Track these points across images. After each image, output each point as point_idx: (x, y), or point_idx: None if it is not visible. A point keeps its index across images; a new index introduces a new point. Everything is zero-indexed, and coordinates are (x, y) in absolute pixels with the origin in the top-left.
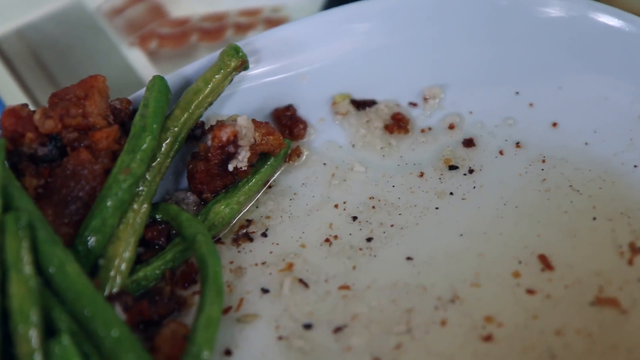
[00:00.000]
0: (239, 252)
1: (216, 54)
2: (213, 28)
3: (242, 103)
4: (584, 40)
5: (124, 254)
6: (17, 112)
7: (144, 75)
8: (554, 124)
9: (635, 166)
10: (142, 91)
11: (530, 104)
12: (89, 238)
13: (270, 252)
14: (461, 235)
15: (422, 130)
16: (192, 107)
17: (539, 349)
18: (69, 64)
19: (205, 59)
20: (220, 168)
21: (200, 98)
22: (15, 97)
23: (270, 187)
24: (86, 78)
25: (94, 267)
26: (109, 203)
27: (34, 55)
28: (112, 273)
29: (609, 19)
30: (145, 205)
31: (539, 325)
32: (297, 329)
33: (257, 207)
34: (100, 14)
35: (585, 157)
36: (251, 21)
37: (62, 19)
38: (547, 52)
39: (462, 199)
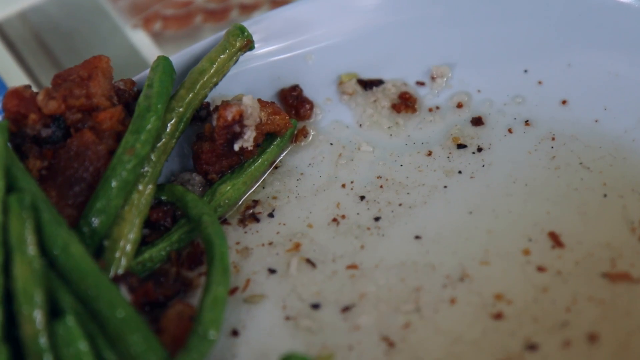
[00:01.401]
0: (245, 232)
1: (221, 33)
2: (218, 9)
3: (247, 83)
4: (593, 16)
5: (129, 235)
6: (20, 93)
7: (148, 57)
8: (564, 102)
9: None
10: (147, 72)
11: (539, 82)
12: (93, 219)
13: (277, 233)
14: (470, 213)
15: (430, 109)
16: (197, 87)
17: (551, 318)
18: (72, 47)
19: (210, 39)
20: (225, 148)
21: (206, 78)
22: (18, 80)
23: (276, 167)
24: (90, 59)
25: (98, 249)
26: (113, 184)
27: (37, 38)
28: (117, 254)
29: None
30: (150, 186)
31: (549, 296)
32: (304, 309)
33: (263, 187)
34: None
35: (596, 134)
36: (256, 1)
37: (65, 1)
38: (556, 28)
39: (471, 177)
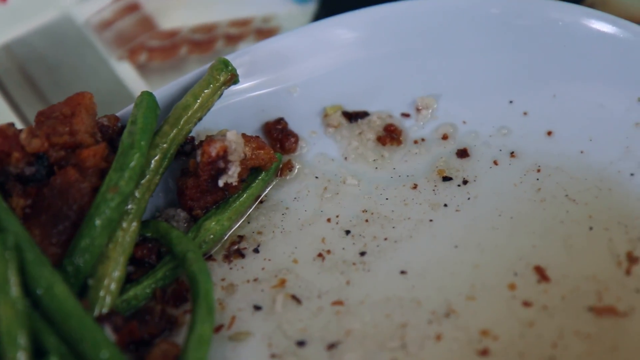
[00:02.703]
0: (230, 268)
1: (205, 67)
2: (203, 40)
3: (232, 116)
4: (578, 47)
5: (113, 273)
6: (3, 132)
7: (134, 89)
8: (549, 133)
9: (631, 174)
10: (131, 107)
11: (525, 113)
12: (77, 258)
13: (263, 269)
14: (456, 247)
15: (415, 142)
16: (181, 122)
17: (537, 353)
18: (57, 79)
19: (194, 73)
20: (210, 184)
21: (190, 113)
22: (2, 113)
23: (261, 202)
24: (73, 95)
25: (83, 287)
26: (97, 222)
27: (22, 70)
28: (101, 293)
29: (603, 26)
30: (134, 224)
31: (535, 331)
32: (290, 347)
33: (248, 222)
34: (89, 27)
35: (581, 165)
36: (242, 32)
37: (50, 33)
38: (541, 59)
39: (456, 210)
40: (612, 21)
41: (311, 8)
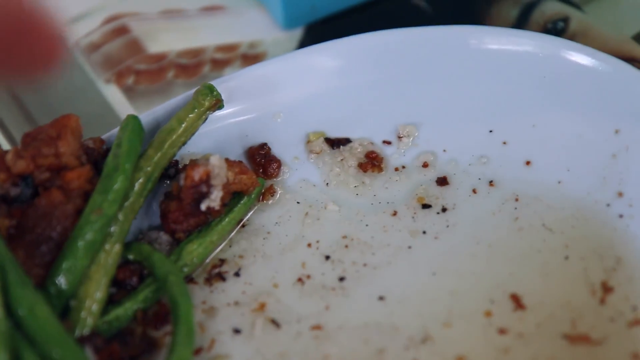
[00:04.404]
0: (211, 291)
1: (191, 92)
2: (190, 64)
3: (216, 141)
4: (558, 79)
5: (95, 294)
6: None
7: (120, 112)
8: (528, 162)
9: (608, 205)
10: (116, 130)
11: (504, 142)
12: (60, 279)
13: (243, 292)
14: (434, 274)
15: (396, 169)
16: (166, 146)
17: None
18: (45, 100)
19: (180, 97)
20: (193, 207)
21: (174, 137)
22: None
23: (243, 226)
24: (59, 118)
25: (65, 308)
26: (80, 244)
27: (9, 91)
28: (83, 314)
29: (582, 58)
30: (117, 246)
31: (510, 358)
32: None
33: (230, 246)
34: (78, 49)
35: (559, 195)
36: (228, 57)
37: None
38: (521, 90)
39: (435, 238)
40: (591, 54)
41: (297, 35)
